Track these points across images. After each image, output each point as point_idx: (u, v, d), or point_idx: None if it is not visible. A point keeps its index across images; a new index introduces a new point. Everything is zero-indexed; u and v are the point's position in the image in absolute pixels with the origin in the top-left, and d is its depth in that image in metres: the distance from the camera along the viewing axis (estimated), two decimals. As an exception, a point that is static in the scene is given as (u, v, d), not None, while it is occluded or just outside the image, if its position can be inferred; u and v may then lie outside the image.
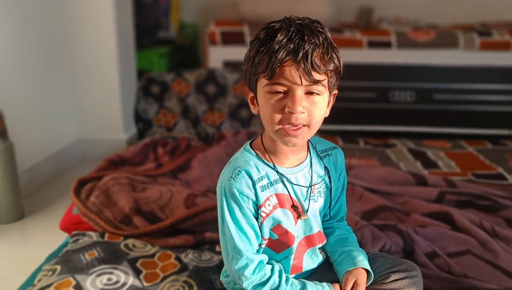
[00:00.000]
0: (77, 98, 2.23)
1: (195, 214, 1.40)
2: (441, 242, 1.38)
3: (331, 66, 0.82)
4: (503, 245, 1.37)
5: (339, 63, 0.84)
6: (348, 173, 1.89)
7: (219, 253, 1.31)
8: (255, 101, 0.89)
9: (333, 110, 0.93)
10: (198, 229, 1.40)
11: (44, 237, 1.52)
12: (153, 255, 1.26)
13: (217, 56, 2.54)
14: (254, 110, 0.90)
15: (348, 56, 2.36)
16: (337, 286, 0.93)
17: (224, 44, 2.53)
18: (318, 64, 0.80)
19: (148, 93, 2.50)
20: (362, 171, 1.91)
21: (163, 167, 1.84)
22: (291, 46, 0.78)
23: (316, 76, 0.80)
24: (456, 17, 3.22)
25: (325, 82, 0.83)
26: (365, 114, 2.57)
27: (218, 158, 1.89)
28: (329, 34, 0.84)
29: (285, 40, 0.79)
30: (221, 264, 1.24)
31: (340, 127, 2.57)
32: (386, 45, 2.47)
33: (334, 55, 0.82)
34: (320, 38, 0.80)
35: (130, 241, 1.33)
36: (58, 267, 1.17)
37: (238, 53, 2.54)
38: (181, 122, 2.47)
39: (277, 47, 0.78)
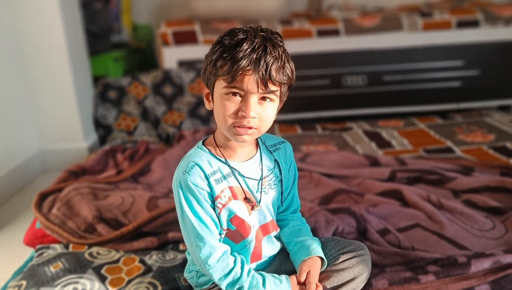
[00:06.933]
0: (35, 110, 2.22)
1: (157, 216, 1.44)
2: (392, 219, 1.47)
3: (285, 79, 0.90)
4: (448, 216, 1.47)
5: (292, 76, 0.92)
6: (306, 160, 1.96)
7: (183, 251, 1.36)
8: (210, 97, 0.96)
9: (290, 99, 1.01)
10: (161, 230, 1.43)
11: (9, 253, 1.52)
12: (117, 261, 1.29)
13: (171, 56, 2.57)
14: (208, 106, 0.97)
15: (298, 46, 2.43)
16: (293, 278, 0.99)
17: (177, 44, 2.54)
18: (275, 76, 0.88)
19: (105, 99, 2.50)
20: (319, 157, 1.98)
21: (124, 173, 1.86)
22: (254, 56, 0.85)
23: (271, 86, 0.88)
24: (401, -1, 3.33)
25: (278, 92, 0.91)
26: (320, 101, 2.65)
27: (178, 158, 1.92)
28: (285, 47, 0.92)
29: (249, 50, 0.86)
30: (184, 262, 1.28)
31: (298, 115, 2.65)
32: (335, 32, 2.54)
33: (289, 68, 0.91)
34: (279, 52, 0.88)
35: (95, 249, 1.35)
36: (24, 283, 1.19)
37: (191, 52, 2.57)
38: (141, 125, 2.48)
39: (241, 56, 0.85)
